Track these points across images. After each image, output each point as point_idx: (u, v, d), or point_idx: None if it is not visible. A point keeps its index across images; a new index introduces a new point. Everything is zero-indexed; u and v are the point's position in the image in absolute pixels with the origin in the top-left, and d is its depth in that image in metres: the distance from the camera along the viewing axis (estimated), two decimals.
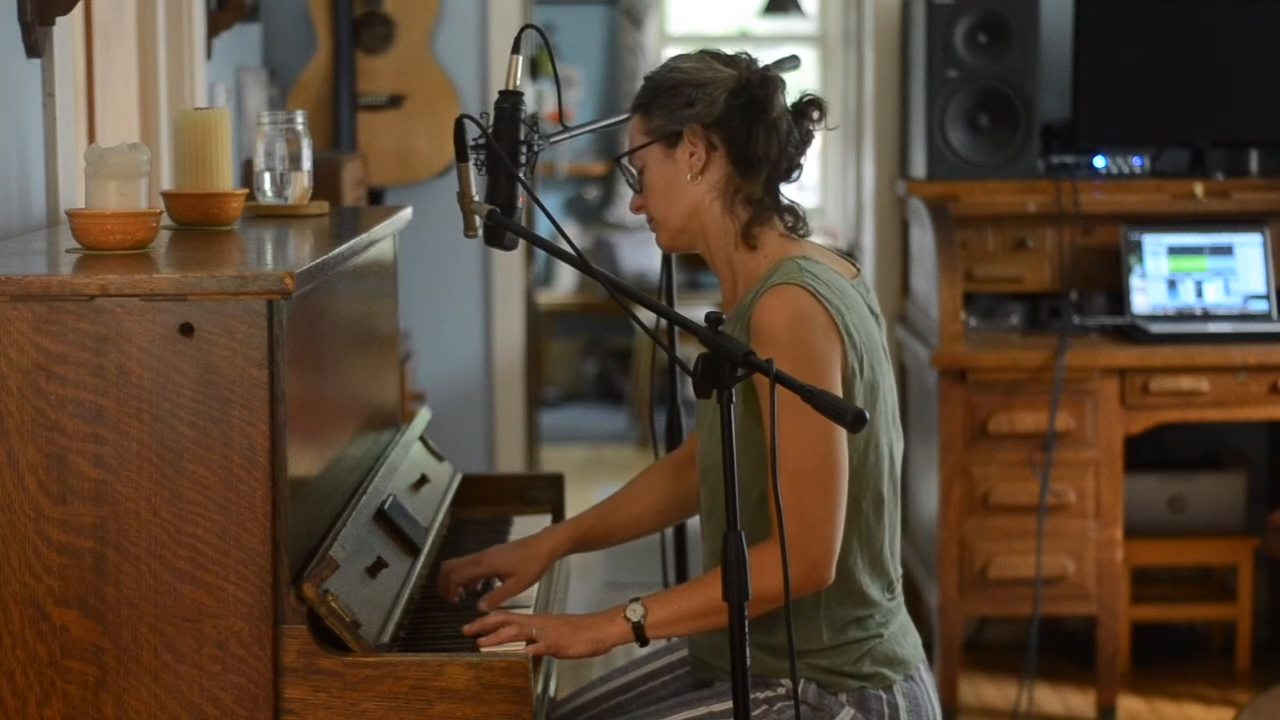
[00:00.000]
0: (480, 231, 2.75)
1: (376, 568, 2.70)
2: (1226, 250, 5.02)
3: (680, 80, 2.77)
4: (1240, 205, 5.11)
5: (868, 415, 2.31)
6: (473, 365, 5.84)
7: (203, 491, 2.41)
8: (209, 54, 4.55)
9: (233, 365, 2.40)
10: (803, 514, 2.62)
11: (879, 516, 2.76)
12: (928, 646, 3.43)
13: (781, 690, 2.73)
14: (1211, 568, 5.48)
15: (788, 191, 2.84)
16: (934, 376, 4.83)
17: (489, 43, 5.72)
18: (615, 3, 9.65)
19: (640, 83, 2.87)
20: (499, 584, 2.97)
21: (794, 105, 2.80)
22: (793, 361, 2.57)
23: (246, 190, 3.14)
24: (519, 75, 2.91)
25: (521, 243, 3.31)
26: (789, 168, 2.79)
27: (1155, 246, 5.03)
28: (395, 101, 5.61)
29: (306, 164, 3.25)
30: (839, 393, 2.67)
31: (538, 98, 8.51)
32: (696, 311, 4.62)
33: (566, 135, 3.10)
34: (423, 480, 3.26)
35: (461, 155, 2.71)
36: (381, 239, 3.23)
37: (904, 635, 2.81)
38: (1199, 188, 5.11)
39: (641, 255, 9.17)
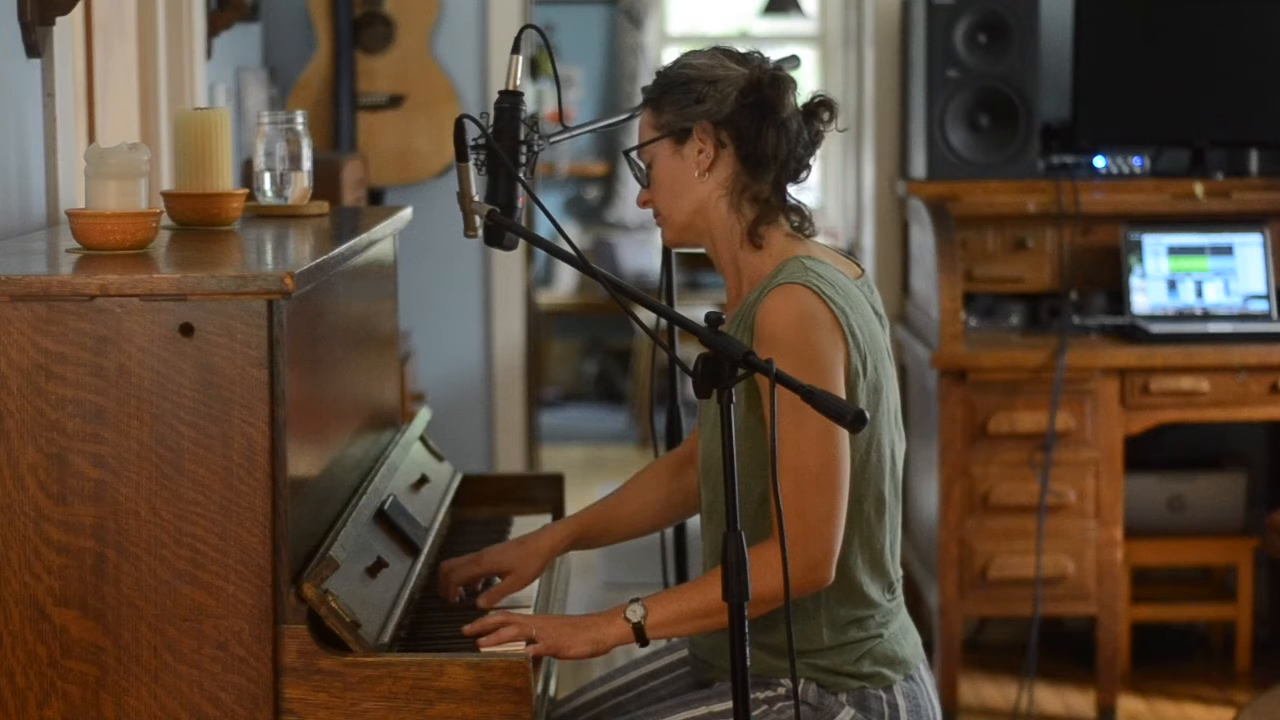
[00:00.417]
0: (480, 231, 2.76)
1: (376, 568, 2.70)
2: (1226, 250, 5.02)
3: (692, 77, 2.78)
4: (1240, 205, 5.11)
5: (868, 415, 2.31)
6: (473, 365, 5.84)
7: (203, 491, 2.41)
8: (209, 54, 4.55)
9: (233, 365, 2.40)
10: (804, 514, 2.62)
11: (880, 517, 2.76)
12: (928, 646, 3.43)
13: (781, 690, 2.74)
14: (1211, 568, 5.48)
15: (792, 192, 2.84)
16: (934, 376, 4.83)
17: (489, 43, 5.72)
18: (615, 3, 9.65)
19: (644, 81, 2.87)
20: (498, 582, 2.97)
21: (804, 106, 2.80)
22: (796, 361, 2.57)
23: (246, 190, 3.14)
24: (519, 75, 2.91)
25: (521, 243, 3.31)
26: (797, 168, 2.80)
27: (1155, 246, 5.03)
28: (395, 101, 5.61)
29: (306, 164, 3.25)
30: (842, 393, 2.67)
31: (538, 98, 8.51)
32: (696, 311, 4.62)
33: (566, 135, 3.10)
34: (423, 480, 3.26)
35: (461, 155, 2.71)
36: (381, 239, 3.23)
37: (904, 635, 2.81)
38: (1199, 188, 5.11)
39: (641, 255, 9.17)
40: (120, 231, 2.62)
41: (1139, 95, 5.18)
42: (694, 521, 3.10)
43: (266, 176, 3.23)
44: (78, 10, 3.37)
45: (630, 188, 9.01)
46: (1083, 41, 5.16)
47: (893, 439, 2.80)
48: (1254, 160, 5.21)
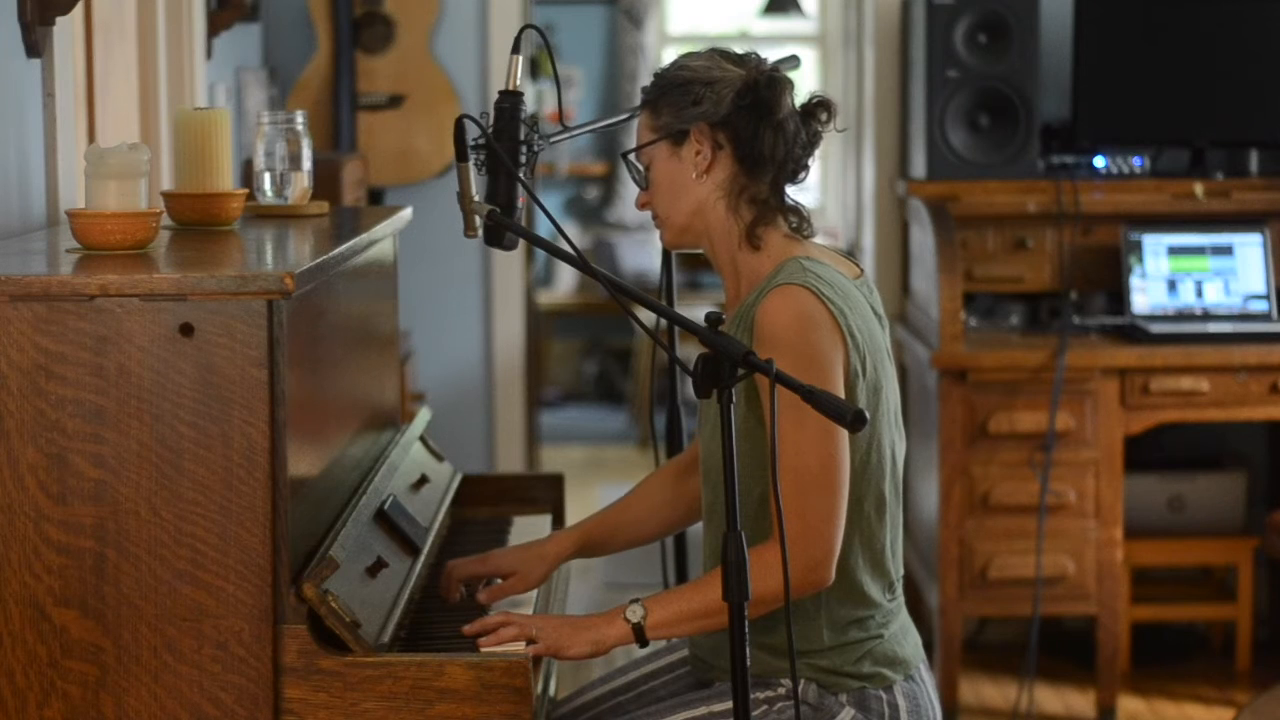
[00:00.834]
0: (480, 231, 2.76)
1: (376, 568, 2.70)
2: (1226, 250, 5.02)
3: (688, 78, 2.77)
4: (1240, 205, 5.11)
5: (867, 415, 2.31)
6: (473, 365, 5.84)
7: (203, 491, 2.41)
8: (209, 54, 4.55)
9: (233, 365, 2.40)
10: (804, 514, 2.62)
11: (880, 517, 2.76)
12: (928, 646, 3.43)
13: (781, 690, 2.73)
14: (1211, 568, 5.48)
15: (790, 192, 2.84)
16: (934, 376, 4.83)
17: (489, 43, 5.72)
18: (615, 3, 9.65)
19: (641, 83, 2.87)
20: (499, 581, 2.98)
21: (802, 106, 2.80)
22: (795, 361, 2.57)
23: (246, 190, 3.14)
24: (519, 75, 2.91)
25: (521, 243, 3.31)
26: (795, 169, 2.79)
27: (1155, 246, 5.03)
28: (395, 101, 5.61)
29: (306, 164, 3.25)
30: (841, 393, 2.67)
31: (538, 98, 8.51)
32: (696, 311, 4.62)
33: (566, 135, 3.10)
34: (423, 480, 3.26)
35: (461, 155, 2.71)
36: (381, 239, 3.23)
37: (904, 635, 2.81)
38: (1199, 188, 5.11)
39: (641, 255, 9.17)
40: (120, 231, 2.62)
41: (1139, 95, 5.18)
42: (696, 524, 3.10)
43: (266, 176, 3.23)
44: (78, 10, 3.37)
45: (630, 188, 9.00)
46: (1083, 41, 5.16)
47: (893, 439, 2.80)
48: (1254, 160, 5.21)
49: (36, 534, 2.41)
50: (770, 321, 2.66)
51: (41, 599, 2.41)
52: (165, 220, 2.94)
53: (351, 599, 2.52)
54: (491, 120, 2.86)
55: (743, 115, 2.75)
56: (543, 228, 6.91)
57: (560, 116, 3.21)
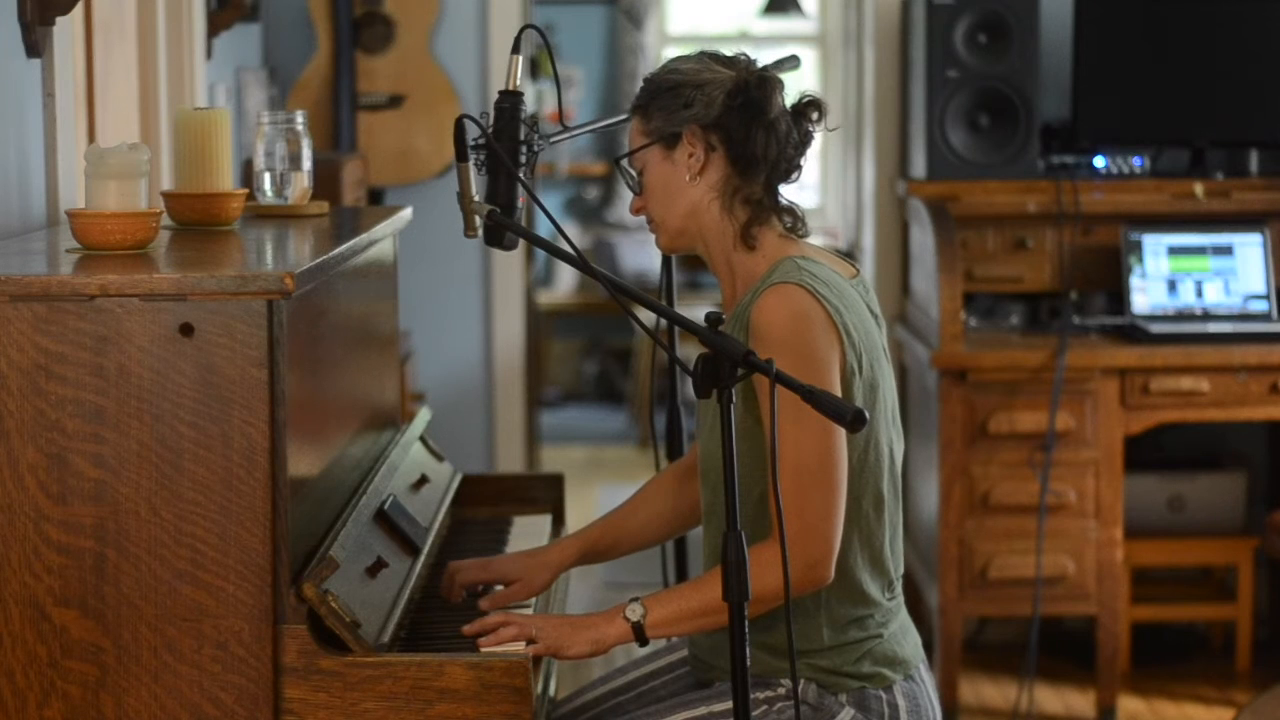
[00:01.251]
0: (480, 231, 2.75)
1: (376, 568, 2.70)
2: (1227, 250, 5.02)
3: (679, 81, 2.78)
4: (1240, 205, 5.11)
5: (867, 415, 2.31)
6: (473, 365, 5.84)
7: (203, 491, 2.41)
8: (209, 54, 4.55)
9: (233, 365, 2.40)
10: (803, 512, 2.62)
11: (879, 515, 2.76)
12: (928, 646, 3.43)
13: (781, 690, 2.73)
14: (1211, 568, 5.48)
15: (787, 192, 2.84)
16: (934, 376, 4.83)
17: (489, 43, 5.72)
18: (615, 3, 9.64)
19: (640, 83, 2.87)
20: (500, 588, 2.97)
21: (793, 106, 2.80)
22: (792, 360, 2.57)
23: (246, 190, 3.14)
24: (519, 75, 2.91)
25: (521, 243, 3.31)
26: (788, 168, 2.79)
27: (1155, 246, 5.03)
28: (395, 101, 5.61)
29: (306, 164, 3.25)
30: (838, 391, 2.67)
31: (538, 98, 8.51)
32: (696, 311, 4.62)
33: (566, 135, 3.10)
34: (423, 480, 3.26)
35: (461, 155, 2.71)
36: (381, 239, 3.23)
37: (904, 635, 2.81)
38: (1199, 188, 5.11)
39: (641, 255, 9.17)
40: (120, 231, 2.62)
41: (1139, 95, 5.18)
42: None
43: (266, 176, 3.23)
44: (78, 10, 3.37)
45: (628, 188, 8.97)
46: (1083, 41, 5.16)
47: (890, 437, 2.80)
48: (1254, 160, 5.21)
49: (36, 534, 2.41)
50: (766, 320, 2.66)
51: (41, 599, 2.41)
52: (165, 220, 2.94)
53: (351, 599, 2.52)
54: (491, 120, 2.86)
55: (734, 116, 2.75)
56: (543, 228, 6.91)
57: (560, 116, 3.21)
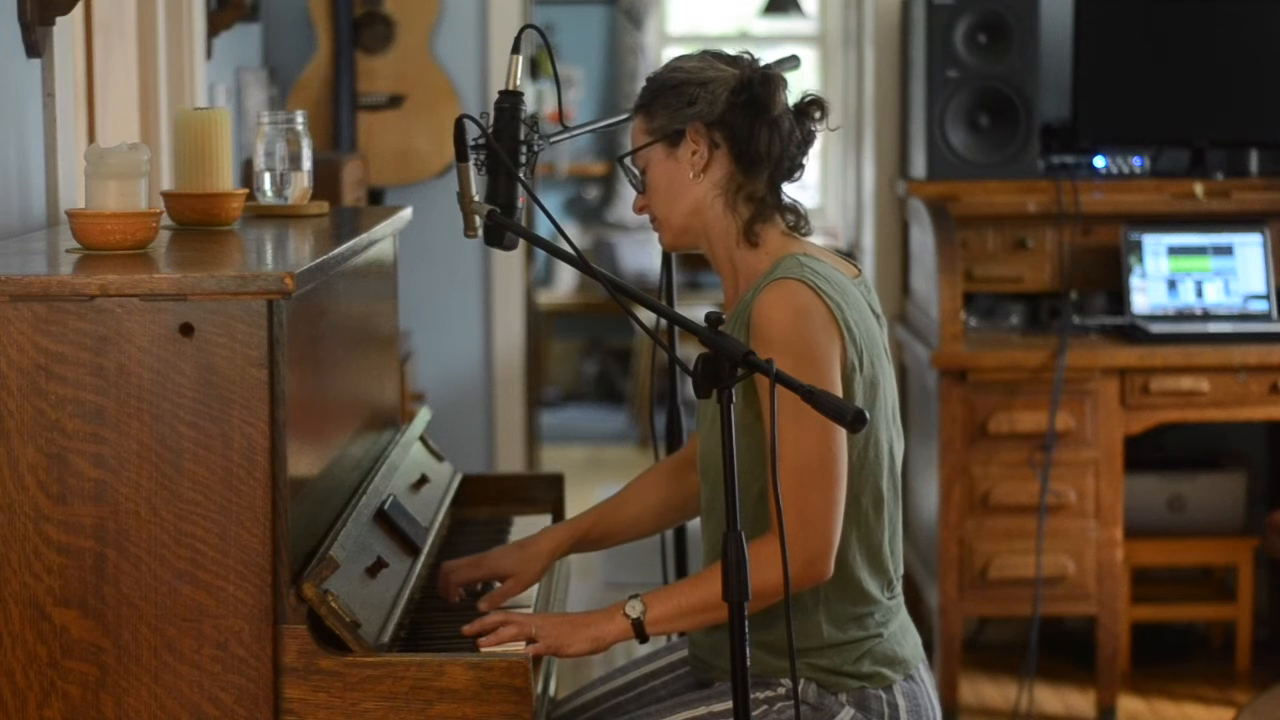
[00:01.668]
0: (480, 231, 2.76)
1: (376, 568, 2.70)
2: (1227, 250, 5.02)
3: (682, 79, 2.78)
4: (1240, 205, 5.11)
5: (868, 415, 2.31)
6: (473, 365, 5.84)
7: (203, 491, 2.41)
8: (209, 54, 4.55)
9: (233, 365, 2.40)
10: (802, 509, 2.62)
11: (878, 513, 2.76)
12: (928, 646, 3.43)
13: (781, 690, 2.74)
14: (1211, 568, 5.48)
15: (789, 192, 2.84)
16: (934, 376, 4.83)
17: (489, 43, 5.72)
18: (615, 3, 9.64)
19: (641, 83, 2.87)
20: (498, 585, 2.97)
21: (796, 105, 2.81)
22: (792, 356, 2.57)
23: (246, 190, 3.14)
24: (519, 75, 2.91)
25: (521, 243, 3.31)
26: (790, 167, 2.80)
27: (1155, 246, 5.03)
28: (395, 101, 5.61)
29: (306, 164, 3.25)
30: (838, 387, 2.67)
31: (538, 98, 8.51)
32: (696, 311, 4.62)
33: (566, 135, 3.10)
34: (423, 480, 3.26)
35: (461, 155, 2.71)
36: (381, 239, 3.23)
37: (904, 635, 2.81)
38: (1199, 188, 5.11)
39: (641, 255, 9.17)
40: (120, 231, 2.62)
41: (1139, 95, 5.18)
42: (693, 521, 3.10)
43: (266, 176, 3.23)
44: (78, 10, 3.37)
45: (630, 187, 8.98)
46: (1083, 41, 5.16)
47: (890, 436, 2.80)
48: (1254, 160, 5.21)
49: (36, 534, 2.41)
50: (766, 315, 2.66)
51: (41, 599, 2.41)
52: (165, 220, 2.94)
53: (351, 599, 2.52)
54: (491, 120, 2.86)
55: (738, 113, 2.75)
56: (543, 228, 6.91)
57: (560, 116, 3.21)
